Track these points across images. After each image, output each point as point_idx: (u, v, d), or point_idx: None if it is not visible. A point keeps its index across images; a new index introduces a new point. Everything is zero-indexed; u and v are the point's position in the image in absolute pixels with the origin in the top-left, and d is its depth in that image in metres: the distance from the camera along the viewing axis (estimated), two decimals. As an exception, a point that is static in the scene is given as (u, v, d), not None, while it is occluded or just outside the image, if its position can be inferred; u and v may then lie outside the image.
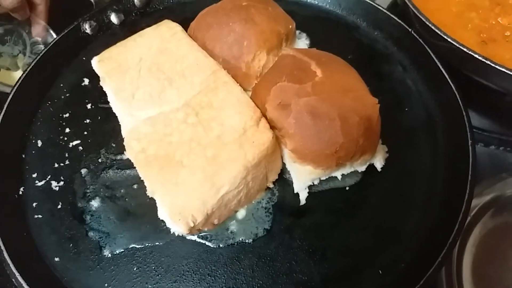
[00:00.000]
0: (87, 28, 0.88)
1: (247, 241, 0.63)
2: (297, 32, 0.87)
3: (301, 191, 0.67)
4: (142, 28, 0.78)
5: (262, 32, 0.72)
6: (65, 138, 0.75)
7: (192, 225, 0.57)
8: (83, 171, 0.71)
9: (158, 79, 0.69)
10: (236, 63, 0.72)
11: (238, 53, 0.72)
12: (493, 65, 0.69)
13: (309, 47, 0.86)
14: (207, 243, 0.63)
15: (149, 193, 0.62)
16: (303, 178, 0.66)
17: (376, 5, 0.90)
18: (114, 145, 0.73)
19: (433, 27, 0.75)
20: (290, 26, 0.78)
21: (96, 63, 0.73)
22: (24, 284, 0.57)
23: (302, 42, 0.86)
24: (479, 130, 0.85)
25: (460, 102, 0.72)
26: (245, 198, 0.63)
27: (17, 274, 0.58)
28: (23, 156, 0.73)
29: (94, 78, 0.77)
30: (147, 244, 0.63)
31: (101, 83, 0.72)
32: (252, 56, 0.72)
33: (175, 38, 0.74)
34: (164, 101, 0.67)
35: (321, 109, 0.61)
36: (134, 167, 0.65)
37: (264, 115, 0.65)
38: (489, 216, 0.71)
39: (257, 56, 0.73)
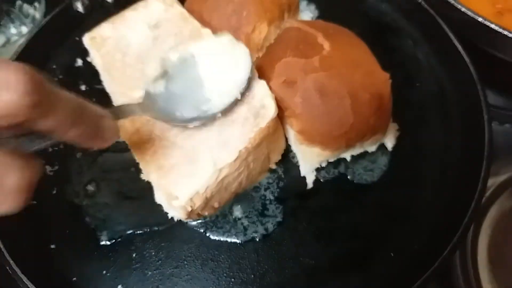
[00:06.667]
0: (79, 6, 0.83)
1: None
2: (305, 3, 0.84)
3: (308, 174, 0.64)
4: (137, 5, 0.74)
5: (263, 2, 0.68)
6: (59, 121, 0.72)
7: (190, 209, 0.54)
8: (78, 155, 0.68)
9: (152, 55, 0.65)
10: (235, 35, 0.67)
11: (236, 24, 0.68)
12: (510, 35, 0.65)
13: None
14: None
15: (145, 176, 0.59)
16: (310, 160, 0.63)
17: (384, -24, 0.85)
18: (109, 127, 0.70)
19: (445, -4, 0.71)
20: (293, -4, 0.74)
21: (87, 40, 0.69)
22: (18, 272, 0.55)
23: (307, 15, 0.81)
24: (493, 107, 0.81)
25: (474, 76, 0.68)
26: (246, 180, 0.60)
27: (11, 261, 0.56)
28: (16, 140, 0.70)
29: (88, 58, 0.73)
30: (146, 230, 0.61)
31: (93, 62, 0.69)
32: (251, 27, 0.68)
33: (169, 11, 0.70)
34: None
35: (330, 87, 0.57)
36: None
37: (267, 93, 0.62)
38: (506, 196, 0.68)
39: (257, 27, 0.68)
